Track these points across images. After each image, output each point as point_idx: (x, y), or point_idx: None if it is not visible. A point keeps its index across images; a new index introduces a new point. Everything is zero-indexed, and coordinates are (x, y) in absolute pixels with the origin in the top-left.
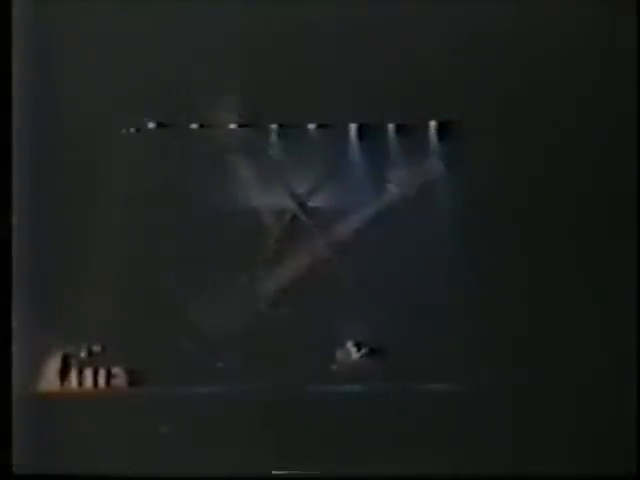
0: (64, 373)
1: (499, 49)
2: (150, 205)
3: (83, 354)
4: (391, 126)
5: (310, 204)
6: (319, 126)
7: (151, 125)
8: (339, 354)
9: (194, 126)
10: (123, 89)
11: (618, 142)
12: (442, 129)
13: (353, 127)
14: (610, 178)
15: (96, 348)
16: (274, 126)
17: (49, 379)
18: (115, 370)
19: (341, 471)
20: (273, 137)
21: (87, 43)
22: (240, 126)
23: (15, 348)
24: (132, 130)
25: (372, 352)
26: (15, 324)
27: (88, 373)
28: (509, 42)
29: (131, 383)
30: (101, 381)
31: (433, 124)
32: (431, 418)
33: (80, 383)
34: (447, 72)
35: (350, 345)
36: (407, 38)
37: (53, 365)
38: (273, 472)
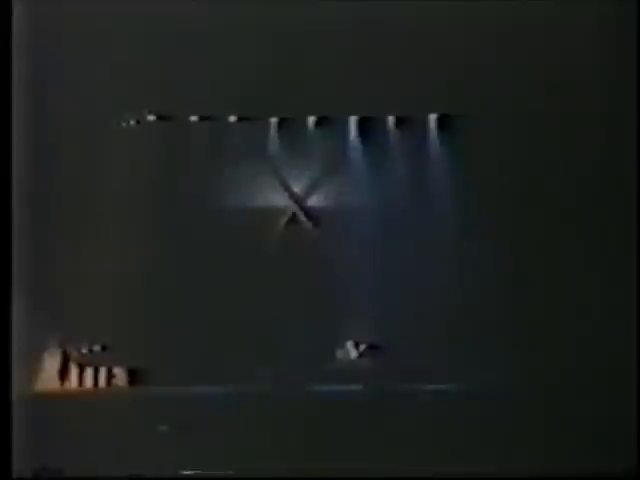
0: (64, 373)
1: (500, 44)
2: (150, 203)
3: (83, 354)
4: (391, 119)
5: (309, 201)
6: (319, 119)
7: (151, 118)
8: (339, 354)
9: (194, 119)
10: (123, 83)
11: (619, 141)
12: (442, 122)
13: (353, 120)
14: (611, 176)
15: (96, 347)
16: (274, 119)
17: (49, 379)
18: (115, 370)
19: (341, 471)
20: (272, 131)
21: (87, 41)
22: (240, 119)
23: (15, 348)
24: (132, 123)
25: (372, 352)
26: (15, 324)
27: (88, 373)
28: (510, 37)
29: (131, 383)
30: (101, 381)
31: (433, 117)
32: (431, 418)
33: (80, 383)
34: (448, 65)
35: (350, 345)
36: (406, 30)
37: (53, 365)
38: (272, 472)
